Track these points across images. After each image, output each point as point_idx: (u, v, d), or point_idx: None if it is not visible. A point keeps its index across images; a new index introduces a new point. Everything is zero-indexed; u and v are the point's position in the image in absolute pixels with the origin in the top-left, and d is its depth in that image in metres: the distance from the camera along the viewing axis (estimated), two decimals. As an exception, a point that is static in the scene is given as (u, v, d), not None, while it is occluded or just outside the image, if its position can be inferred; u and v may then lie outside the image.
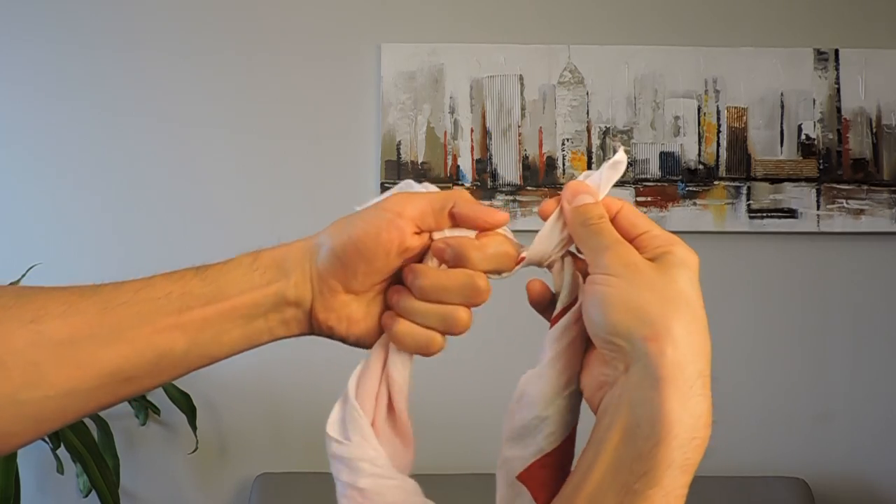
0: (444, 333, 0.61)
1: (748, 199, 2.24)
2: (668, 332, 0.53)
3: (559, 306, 0.59)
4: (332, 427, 0.62)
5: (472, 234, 0.60)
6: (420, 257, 0.60)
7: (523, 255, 0.60)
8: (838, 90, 2.25)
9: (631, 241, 0.58)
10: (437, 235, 0.60)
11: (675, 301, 0.54)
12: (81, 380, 0.57)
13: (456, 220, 0.61)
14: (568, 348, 0.57)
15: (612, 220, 0.59)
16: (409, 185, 0.62)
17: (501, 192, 2.22)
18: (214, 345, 0.62)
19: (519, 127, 2.24)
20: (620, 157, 0.61)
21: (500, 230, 0.61)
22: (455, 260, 0.60)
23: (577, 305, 0.58)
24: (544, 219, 0.60)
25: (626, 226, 0.59)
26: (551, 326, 0.58)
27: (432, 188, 0.62)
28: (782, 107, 2.25)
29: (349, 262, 0.60)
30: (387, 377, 0.61)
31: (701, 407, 0.53)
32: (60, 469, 2.00)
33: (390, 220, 0.59)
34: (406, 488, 0.57)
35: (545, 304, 0.61)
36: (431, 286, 0.59)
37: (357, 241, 0.60)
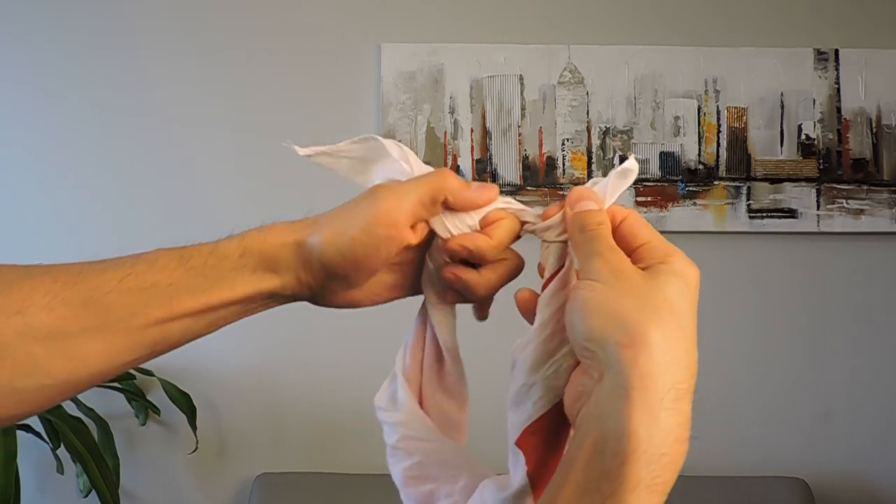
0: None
1: (748, 199, 2.24)
2: (644, 340, 0.50)
3: (547, 273, 0.59)
4: (380, 396, 0.63)
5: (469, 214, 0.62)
6: (420, 244, 0.62)
7: (526, 229, 0.62)
8: (838, 90, 2.25)
9: (632, 251, 0.57)
10: (434, 221, 0.61)
11: (658, 308, 0.52)
12: (78, 370, 0.57)
13: (450, 208, 0.61)
14: (555, 314, 0.57)
15: (616, 229, 0.58)
16: (375, 143, 0.63)
17: (501, 192, 2.20)
18: (210, 328, 0.62)
19: (519, 127, 2.24)
20: (630, 164, 0.59)
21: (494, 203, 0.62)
22: (473, 259, 0.61)
23: (564, 270, 0.58)
24: (546, 222, 0.60)
25: (627, 235, 0.58)
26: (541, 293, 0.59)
27: (405, 150, 0.63)
28: (782, 107, 2.25)
29: (348, 275, 0.61)
30: (432, 329, 0.63)
31: (671, 421, 0.50)
32: (60, 469, 2.00)
33: (387, 235, 0.59)
34: (444, 449, 0.59)
35: (534, 311, 0.60)
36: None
37: (355, 260, 0.60)
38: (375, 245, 0.59)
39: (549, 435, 0.56)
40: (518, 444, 0.56)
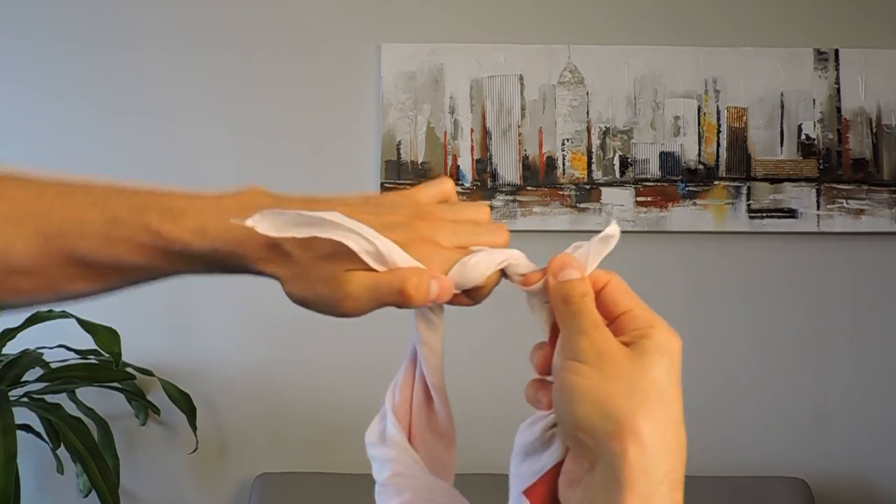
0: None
1: (748, 199, 2.24)
2: (634, 430, 0.49)
3: (546, 328, 0.58)
4: (371, 433, 0.61)
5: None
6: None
7: (513, 280, 0.58)
8: (838, 90, 2.25)
9: (613, 319, 0.55)
10: None
11: (646, 394, 0.50)
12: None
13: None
14: None
15: (597, 295, 0.56)
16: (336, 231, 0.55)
17: (501, 192, 2.22)
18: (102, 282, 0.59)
19: (519, 127, 2.24)
20: (613, 230, 0.58)
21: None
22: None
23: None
24: (527, 288, 0.57)
25: (609, 303, 0.56)
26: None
27: (372, 240, 0.55)
28: (782, 107, 2.25)
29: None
30: (420, 368, 0.61)
31: None
32: (60, 469, 2.00)
33: (350, 315, 0.57)
34: (434, 487, 0.58)
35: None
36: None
37: (322, 312, 0.58)
38: (331, 304, 0.57)
39: (554, 484, 0.55)
40: (527, 493, 0.55)
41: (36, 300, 0.59)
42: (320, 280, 0.55)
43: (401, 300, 0.54)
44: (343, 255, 0.54)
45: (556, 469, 0.55)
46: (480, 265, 0.56)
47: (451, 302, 0.58)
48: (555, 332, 0.57)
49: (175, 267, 0.57)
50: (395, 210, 0.57)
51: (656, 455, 0.49)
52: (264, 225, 0.53)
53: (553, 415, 0.55)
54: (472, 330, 2.01)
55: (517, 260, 0.58)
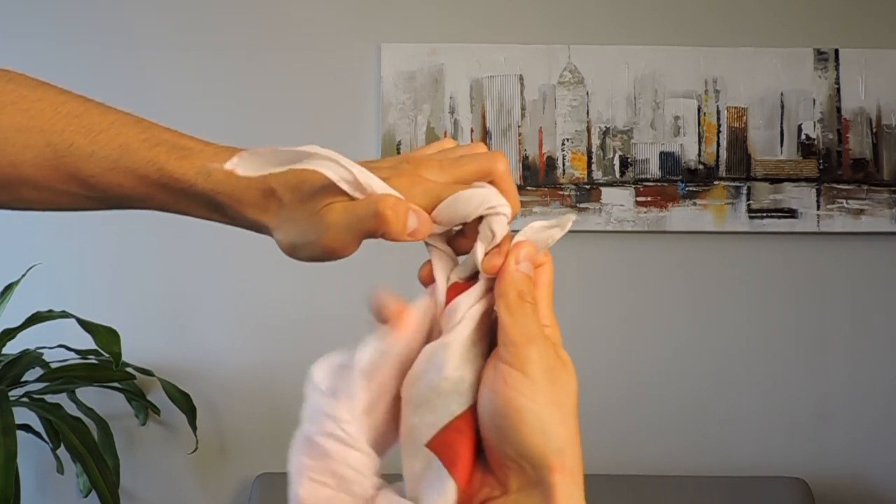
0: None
1: (748, 199, 2.24)
2: (571, 462, 0.49)
3: (454, 277, 0.55)
4: (322, 374, 0.57)
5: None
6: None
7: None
8: (838, 90, 2.25)
9: None
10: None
11: (572, 418, 0.50)
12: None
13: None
14: (480, 323, 0.53)
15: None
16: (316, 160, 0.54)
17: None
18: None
19: (519, 127, 2.24)
20: (566, 220, 0.54)
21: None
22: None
23: (479, 284, 0.54)
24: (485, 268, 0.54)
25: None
26: (447, 300, 0.54)
27: (348, 168, 0.54)
28: (782, 107, 2.25)
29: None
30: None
31: None
32: (60, 469, 2.00)
33: (336, 257, 0.56)
34: (367, 464, 0.52)
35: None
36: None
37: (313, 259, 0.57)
38: (322, 246, 0.56)
39: (468, 435, 0.51)
40: (431, 445, 0.51)
41: (39, 209, 0.60)
42: (304, 218, 0.55)
43: (377, 224, 0.52)
44: (326, 190, 0.53)
45: (465, 418, 0.51)
46: (473, 200, 0.53)
47: (457, 250, 0.56)
48: (455, 290, 0.54)
49: (176, 203, 0.57)
50: (386, 160, 0.57)
51: (578, 482, 0.49)
52: (245, 166, 0.52)
53: (450, 364, 0.51)
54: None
55: (503, 216, 0.54)
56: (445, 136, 2.23)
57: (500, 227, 0.54)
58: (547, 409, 0.49)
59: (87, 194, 0.58)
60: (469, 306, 0.53)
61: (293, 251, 0.56)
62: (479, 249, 0.54)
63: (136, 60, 2.25)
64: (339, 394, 0.55)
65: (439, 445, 0.50)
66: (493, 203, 0.54)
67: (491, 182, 0.56)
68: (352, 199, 0.53)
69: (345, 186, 0.53)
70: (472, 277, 0.55)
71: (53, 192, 0.58)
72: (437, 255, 0.56)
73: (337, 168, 0.53)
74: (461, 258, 0.56)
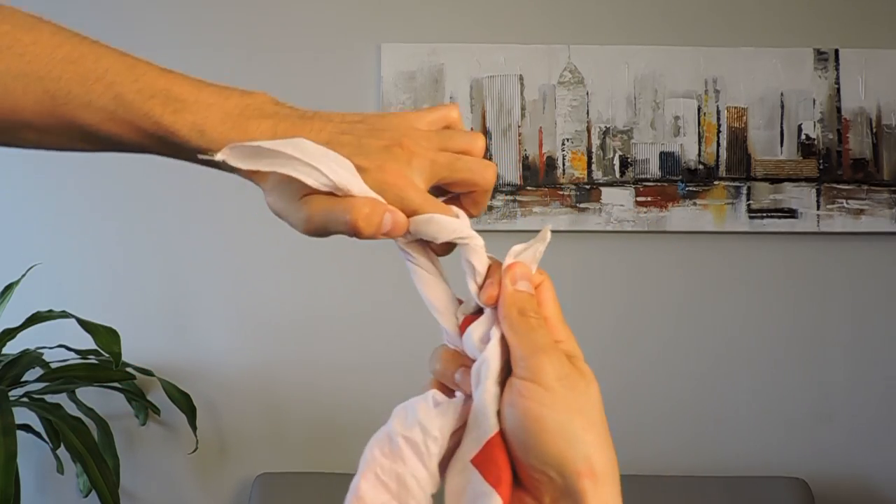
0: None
1: (748, 199, 2.24)
2: (600, 468, 0.49)
3: (460, 315, 0.56)
4: (436, 392, 0.56)
5: None
6: None
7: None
8: (838, 90, 2.25)
9: None
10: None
11: (600, 424, 0.51)
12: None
13: None
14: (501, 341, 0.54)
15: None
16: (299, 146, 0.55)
17: (501, 192, 2.22)
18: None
19: (519, 127, 2.24)
20: (545, 233, 0.56)
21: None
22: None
23: (487, 313, 0.55)
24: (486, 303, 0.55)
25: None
26: (463, 328, 0.56)
27: (326, 164, 0.55)
28: (782, 107, 2.25)
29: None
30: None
31: None
32: (60, 469, 2.00)
33: (301, 219, 0.56)
34: (430, 484, 0.53)
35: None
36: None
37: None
38: (300, 219, 0.57)
39: (504, 447, 0.51)
40: (475, 461, 0.51)
41: (39, 148, 0.61)
42: (287, 198, 0.56)
43: (349, 229, 0.54)
44: None
45: (502, 433, 0.51)
46: (447, 227, 0.55)
47: (436, 252, 0.58)
48: (466, 322, 0.55)
49: (174, 155, 0.58)
50: (380, 133, 0.57)
51: (612, 488, 0.49)
52: (232, 158, 0.54)
53: (487, 381, 0.52)
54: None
55: (477, 248, 0.56)
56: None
57: (479, 259, 0.56)
58: (567, 416, 0.49)
59: (86, 139, 0.58)
60: (488, 327, 0.54)
61: (277, 216, 0.57)
62: (470, 285, 0.56)
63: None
64: (441, 409, 0.55)
65: (482, 461, 0.51)
66: (463, 234, 0.55)
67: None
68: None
69: (324, 189, 0.54)
70: (479, 311, 0.56)
71: (54, 136, 0.59)
72: (415, 269, 0.58)
73: (317, 175, 0.54)
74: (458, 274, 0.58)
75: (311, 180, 0.54)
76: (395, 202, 0.55)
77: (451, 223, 0.55)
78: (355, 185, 0.54)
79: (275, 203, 0.57)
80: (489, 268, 0.56)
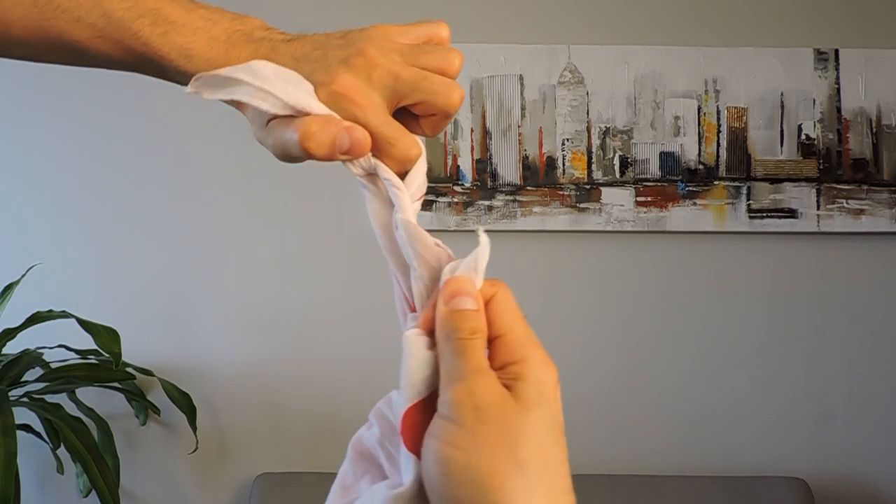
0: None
1: (748, 199, 2.24)
2: None
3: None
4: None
5: None
6: None
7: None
8: (838, 90, 2.25)
9: (491, 341, 0.47)
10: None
11: (528, 466, 0.42)
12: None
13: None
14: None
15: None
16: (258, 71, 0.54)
17: (501, 191, 2.22)
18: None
19: (519, 127, 2.24)
20: (484, 240, 0.50)
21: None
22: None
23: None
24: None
25: (489, 320, 0.48)
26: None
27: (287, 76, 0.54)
28: (782, 107, 2.25)
29: None
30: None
31: None
32: (60, 469, 2.00)
33: (271, 147, 0.54)
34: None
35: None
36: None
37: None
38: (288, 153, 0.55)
39: (430, 415, 0.46)
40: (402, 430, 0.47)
41: (26, 60, 0.61)
42: (258, 125, 0.54)
43: (301, 151, 0.51)
44: None
45: (430, 400, 0.47)
46: (428, 254, 0.50)
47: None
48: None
49: (158, 75, 0.57)
50: (348, 46, 0.55)
51: None
52: (200, 89, 0.53)
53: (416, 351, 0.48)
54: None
55: (421, 279, 0.50)
56: (445, 136, 2.23)
57: (416, 289, 0.51)
58: (479, 457, 0.42)
59: (75, 55, 0.57)
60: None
61: (259, 141, 0.56)
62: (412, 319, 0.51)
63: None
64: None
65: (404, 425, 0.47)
66: (442, 260, 0.51)
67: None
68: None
69: (283, 113, 0.52)
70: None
71: (43, 51, 0.58)
72: (369, 198, 0.54)
73: (271, 100, 0.52)
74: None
75: (267, 105, 0.52)
76: (350, 119, 0.51)
77: (436, 252, 0.50)
78: (314, 105, 0.52)
79: (255, 133, 0.55)
80: (434, 294, 0.50)
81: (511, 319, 0.48)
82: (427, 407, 0.47)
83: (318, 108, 0.52)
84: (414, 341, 0.48)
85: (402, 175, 0.53)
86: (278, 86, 0.51)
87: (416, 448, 0.46)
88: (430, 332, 0.48)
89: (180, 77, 0.55)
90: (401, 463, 0.47)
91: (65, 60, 0.58)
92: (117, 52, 0.56)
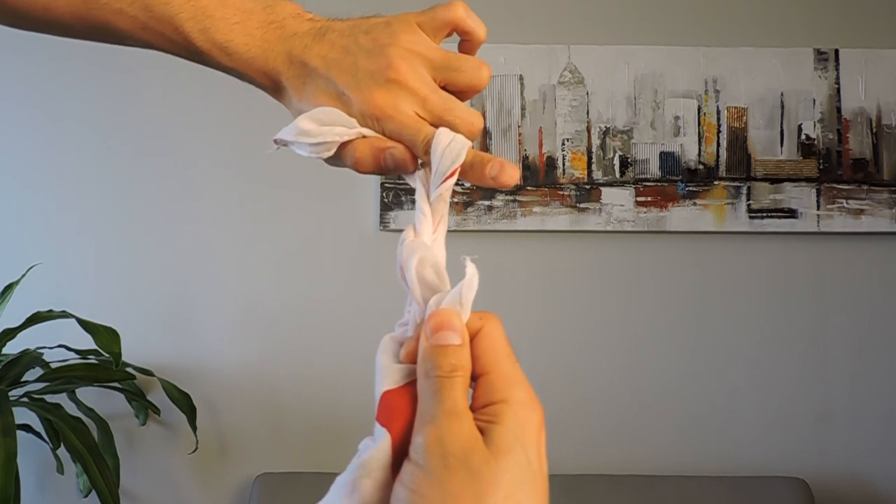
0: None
1: (748, 199, 2.24)
2: None
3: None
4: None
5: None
6: None
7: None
8: (838, 90, 2.25)
9: (475, 378, 0.45)
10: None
11: None
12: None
13: None
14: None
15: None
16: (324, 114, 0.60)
17: (501, 191, 2.22)
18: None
19: (519, 127, 2.24)
20: (471, 271, 0.48)
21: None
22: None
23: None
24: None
25: (474, 356, 0.46)
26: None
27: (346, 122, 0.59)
28: (782, 107, 2.25)
29: None
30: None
31: None
32: (60, 469, 2.00)
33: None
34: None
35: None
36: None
37: None
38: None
39: (414, 401, 0.45)
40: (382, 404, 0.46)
41: (68, 38, 0.62)
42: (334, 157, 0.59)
43: (359, 172, 0.57)
44: (320, 103, 0.58)
45: (413, 385, 0.46)
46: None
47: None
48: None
49: (203, 65, 0.61)
50: (376, 54, 0.58)
51: None
52: (287, 144, 0.60)
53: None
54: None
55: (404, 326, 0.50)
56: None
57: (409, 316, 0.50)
58: None
59: (119, 41, 0.60)
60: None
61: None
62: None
63: (134, 60, 2.25)
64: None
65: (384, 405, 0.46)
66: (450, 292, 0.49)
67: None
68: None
69: (345, 140, 0.58)
70: None
71: (85, 34, 0.60)
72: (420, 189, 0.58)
73: (327, 147, 0.58)
74: None
75: (329, 153, 0.58)
76: (391, 136, 0.56)
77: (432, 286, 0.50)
78: (359, 131, 0.58)
79: (291, 111, 0.62)
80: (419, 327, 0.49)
81: (496, 356, 0.45)
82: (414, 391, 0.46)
83: (364, 131, 0.58)
84: (385, 344, 0.49)
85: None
86: (326, 133, 0.57)
87: (385, 422, 0.45)
88: (413, 363, 0.47)
89: (222, 69, 0.60)
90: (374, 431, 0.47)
91: (108, 41, 0.61)
92: (160, 42, 0.59)
